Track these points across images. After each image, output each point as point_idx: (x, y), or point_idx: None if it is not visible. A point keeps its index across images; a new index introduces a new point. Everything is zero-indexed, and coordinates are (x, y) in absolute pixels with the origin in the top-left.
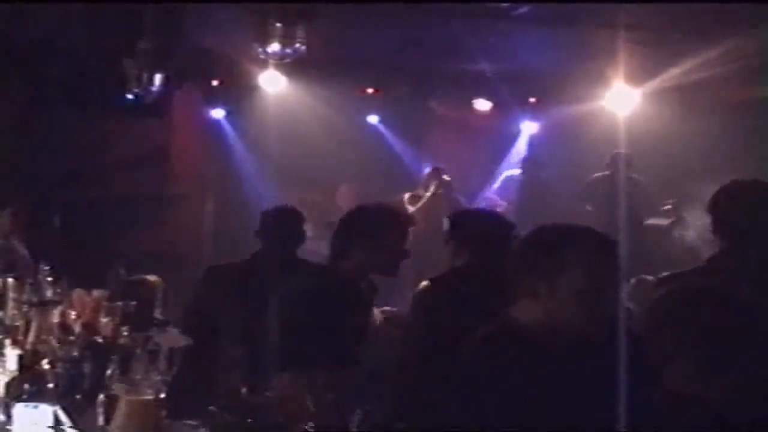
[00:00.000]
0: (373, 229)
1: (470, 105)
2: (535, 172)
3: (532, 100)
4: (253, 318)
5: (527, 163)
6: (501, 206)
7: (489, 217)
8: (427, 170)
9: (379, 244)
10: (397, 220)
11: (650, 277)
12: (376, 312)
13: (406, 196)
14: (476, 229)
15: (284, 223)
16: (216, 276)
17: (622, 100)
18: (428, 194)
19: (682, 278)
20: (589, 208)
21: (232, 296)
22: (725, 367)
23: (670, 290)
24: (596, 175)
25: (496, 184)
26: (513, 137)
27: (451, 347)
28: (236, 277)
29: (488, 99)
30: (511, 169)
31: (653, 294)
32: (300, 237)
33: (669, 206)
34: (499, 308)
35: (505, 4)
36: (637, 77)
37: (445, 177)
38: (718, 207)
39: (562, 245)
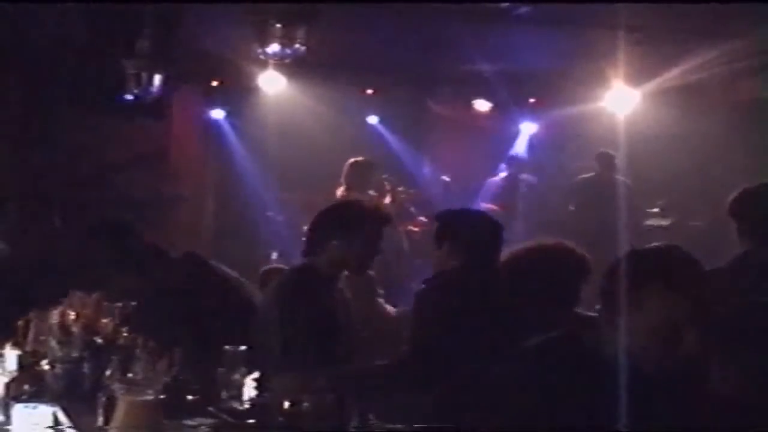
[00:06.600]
0: (351, 225)
1: (470, 105)
2: (517, 172)
3: (532, 100)
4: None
5: (510, 162)
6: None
7: (481, 216)
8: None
9: (354, 241)
10: (375, 217)
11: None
12: (390, 308)
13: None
14: (471, 229)
15: None
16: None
17: (622, 100)
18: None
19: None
20: (571, 208)
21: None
22: None
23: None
24: (582, 176)
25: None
26: (512, 138)
27: (456, 348)
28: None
29: (488, 99)
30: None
31: None
32: None
33: (661, 206)
34: (499, 310)
35: (505, 4)
36: (637, 77)
37: (445, 178)
38: (741, 209)
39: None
